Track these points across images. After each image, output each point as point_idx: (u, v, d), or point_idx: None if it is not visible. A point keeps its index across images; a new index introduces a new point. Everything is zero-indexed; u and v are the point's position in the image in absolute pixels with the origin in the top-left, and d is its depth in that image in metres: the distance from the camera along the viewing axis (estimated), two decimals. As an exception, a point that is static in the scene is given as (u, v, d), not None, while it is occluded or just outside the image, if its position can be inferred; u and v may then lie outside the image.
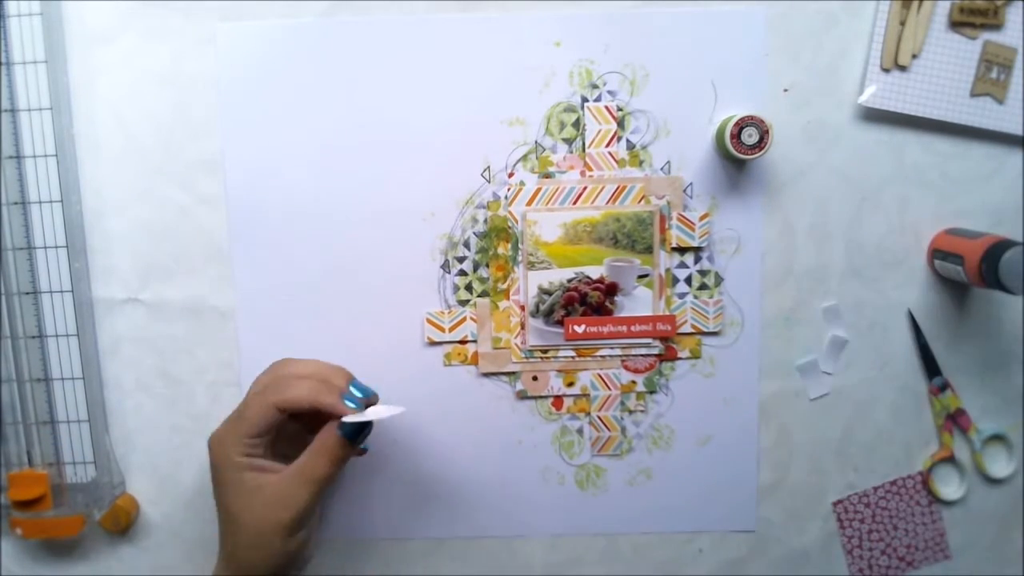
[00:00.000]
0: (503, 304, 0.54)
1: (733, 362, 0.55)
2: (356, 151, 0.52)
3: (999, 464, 0.57)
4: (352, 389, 0.46)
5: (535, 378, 0.54)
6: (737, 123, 0.49)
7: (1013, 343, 0.56)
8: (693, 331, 0.54)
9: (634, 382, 0.55)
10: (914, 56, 0.52)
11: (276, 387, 0.46)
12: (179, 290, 0.54)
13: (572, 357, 0.54)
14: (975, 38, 0.52)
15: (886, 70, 0.52)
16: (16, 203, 0.52)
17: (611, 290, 0.53)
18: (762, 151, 0.50)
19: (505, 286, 0.54)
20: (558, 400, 0.55)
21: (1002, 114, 0.53)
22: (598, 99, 0.52)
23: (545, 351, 0.54)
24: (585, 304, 0.53)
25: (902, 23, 0.51)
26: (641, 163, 0.53)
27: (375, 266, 0.53)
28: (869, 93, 0.52)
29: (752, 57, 0.52)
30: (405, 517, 0.56)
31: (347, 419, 0.45)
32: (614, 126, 0.52)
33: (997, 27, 0.52)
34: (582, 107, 0.52)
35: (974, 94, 0.52)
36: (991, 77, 0.52)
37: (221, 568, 0.47)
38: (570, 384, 0.55)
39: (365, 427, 0.46)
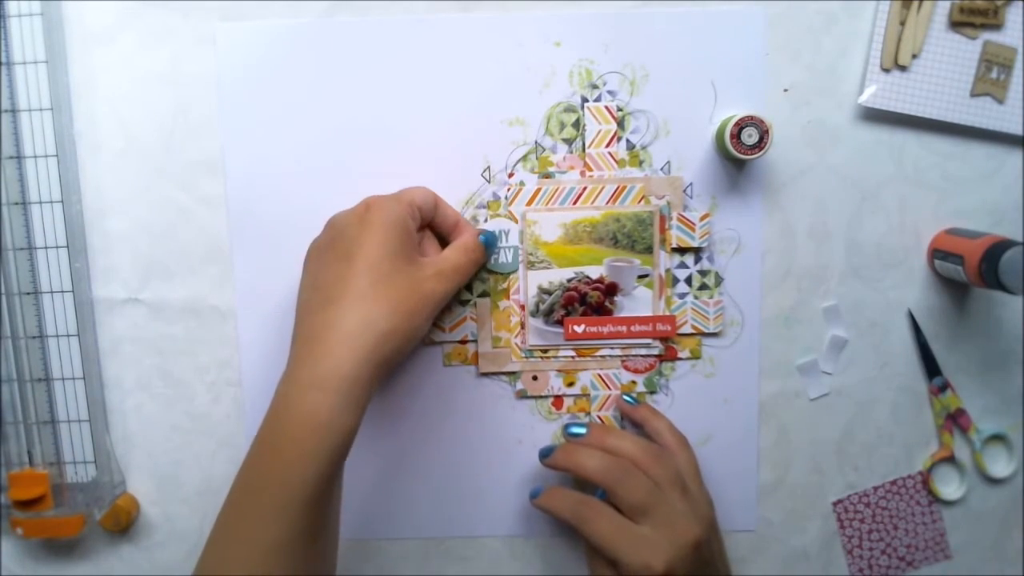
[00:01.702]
0: (503, 304, 0.54)
1: (733, 362, 0.55)
2: (356, 151, 0.52)
3: (999, 464, 0.57)
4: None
5: (535, 378, 0.54)
6: (737, 123, 0.49)
7: (1013, 343, 0.56)
8: (693, 331, 0.54)
9: (634, 382, 0.55)
10: (914, 56, 0.52)
11: (420, 189, 0.48)
12: (179, 290, 0.54)
13: (572, 357, 0.54)
14: (975, 38, 0.52)
15: (886, 70, 0.52)
16: (16, 203, 0.52)
17: (611, 290, 0.53)
18: (762, 151, 0.50)
19: (505, 286, 0.54)
20: (558, 400, 0.55)
21: (1002, 114, 0.53)
22: (598, 99, 0.52)
23: (545, 351, 0.54)
24: (585, 304, 0.53)
25: (902, 23, 0.51)
26: (641, 163, 0.53)
27: (375, 266, 0.53)
28: (869, 93, 0.52)
29: (752, 57, 0.52)
30: (405, 517, 0.56)
31: (485, 227, 0.51)
32: (614, 126, 0.52)
33: (997, 27, 0.52)
34: (582, 107, 0.52)
35: (974, 94, 0.52)
36: (991, 77, 0.52)
37: (322, 356, 0.40)
38: (570, 384, 0.55)
39: (496, 239, 0.52)
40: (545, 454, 0.51)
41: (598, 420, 0.55)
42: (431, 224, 0.49)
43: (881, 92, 0.52)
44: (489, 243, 0.50)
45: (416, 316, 0.43)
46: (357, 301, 0.41)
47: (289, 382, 0.41)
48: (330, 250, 0.44)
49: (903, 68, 0.52)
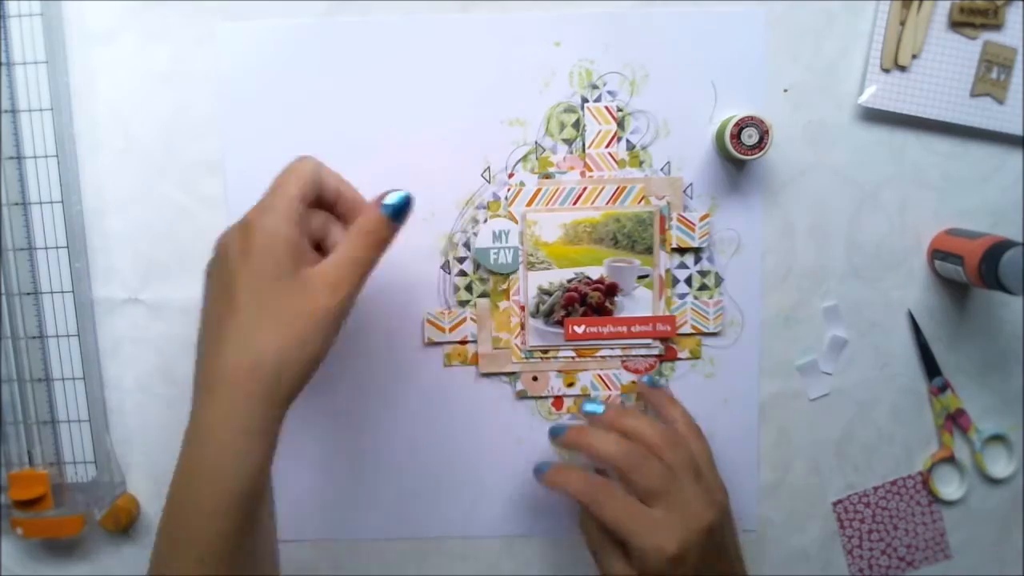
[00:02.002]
0: (503, 304, 0.54)
1: (733, 362, 0.55)
2: (356, 151, 0.52)
3: (999, 464, 0.57)
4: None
5: (535, 378, 0.54)
6: (737, 123, 0.49)
7: (1013, 343, 0.56)
8: (693, 331, 0.54)
9: (634, 382, 0.55)
10: (914, 56, 0.52)
11: (301, 171, 0.42)
12: (179, 290, 0.54)
13: (572, 357, 0.54)
14: (975, 38, 0.52)
15: (886, 70, 0.52)
16: (17, 203, 0.52)
17: (611, 290, 0.53)
18: (762, 151, 0.50)
19: (505, 286, 0.54)
20: (558, 400, 0.55)
21: (1002, 114, 0.53)
22: (598, 99, 0.52)
23: (545, 351, 0.54)
24: (585, 304, 0.53)
25: (902, 23, 0.51)
26: (641, 163, 0.53)
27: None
28: (869, 93, 0.52)
29: (752, 57, 0.52)
30: (404, 517, 0.56)
31: (389, 196, 0.42)
32: (614, 126, 0.52)
33: (997, 27, 0.52)
34: (582, 107, 0.52)
35: (974, 94, 0.52)
36: (991, 77, 0.52)
37: (219, 381, 0.38)
38: (570, 384, 0.55)
39: (407, 203, 0.42)
40: (557, 432, 0.50)
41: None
42: (330, 206, 0.44)
43: (881, 92, 0.52)
44: (398, 209, 0.42)
45: (310, 342, 0.39)
46: (242, 340, 0.38)
47: (190, 431, 0.40)
48: (216, 280, 0.41)
49: (903, 68, 0.52)
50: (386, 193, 0.42)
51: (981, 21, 0.51)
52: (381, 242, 0.42)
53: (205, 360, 0.40)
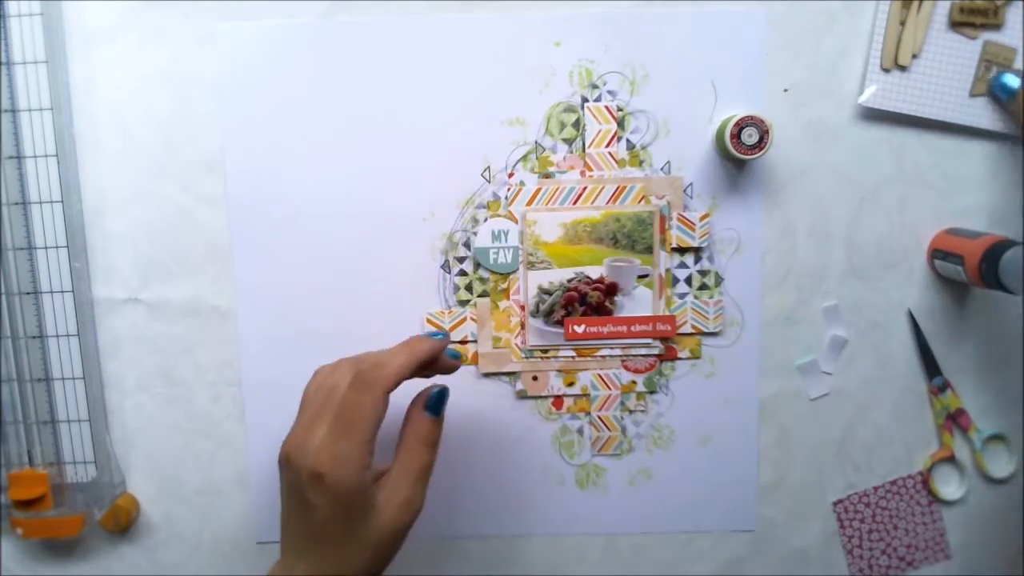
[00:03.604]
0: (503, 304, 0.54)
1: (733, 362, 0.55)
2: (356, 151, 0.52)
3: (999, 464, 0.57)
4: (428, 334, 0.46)
5: (535, 378, 0.54)
6: (737, 123, 0.49)
7: (1013, 343, 0.56)
8: (693, 331, 0.54)
9: (634, 382, 0.55)
10: (914, 56, 0.52)
11: (371, 373, 0.41)
12: (179, 290, 0.54)
13: (572, 357, 0.54)
14: (975, 38, 0.52)
15: (886, 70, 0.52)
16: (16, 203, 0.52)
17: (611, 290, 0.53)
18: (762, 151, 0.50)
19: (505, 286, 0.54)
20: (558, 400, 0.55)
21: (1002, 114, 0.53)
22: (598, 99, 0.52)
23: (545, 351, 0.54)
24: (585, 304, 0.53)
25: (902, 23, 0.51)
26: (641, 163, 0.53)
27: (375, 266, 0.53)
28: (869, 93, 0.52)
29: (752, 57, 0.52)
30: (405, 517, 0.56)
31: (430, 398, 0.44)
32: (614, 126, 0.52)
33: (997, 27, 0.52)
34: (582, 107, 0.52)
35: (974, 94, 0.52)
36: (991, 77, 0.52)
37: None
38: (570, 384, 0.55)
39: (444, 396, 0.44)
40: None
41: (598, 420, 0.55)
42: None
43: (881, 92, 0.52)
44: (437, 404, 0.44)
45: (387, 558, 0.41)
46: (323, 561, 0.40)
47: None
48: (293, 500, 0.41)
49: (903, 68, 0.52)
50: (424, 394, 0.44)
51: (981, 21, 0.51)
52: (436, 443, 0.44)
53: (287, 561, 0.41)
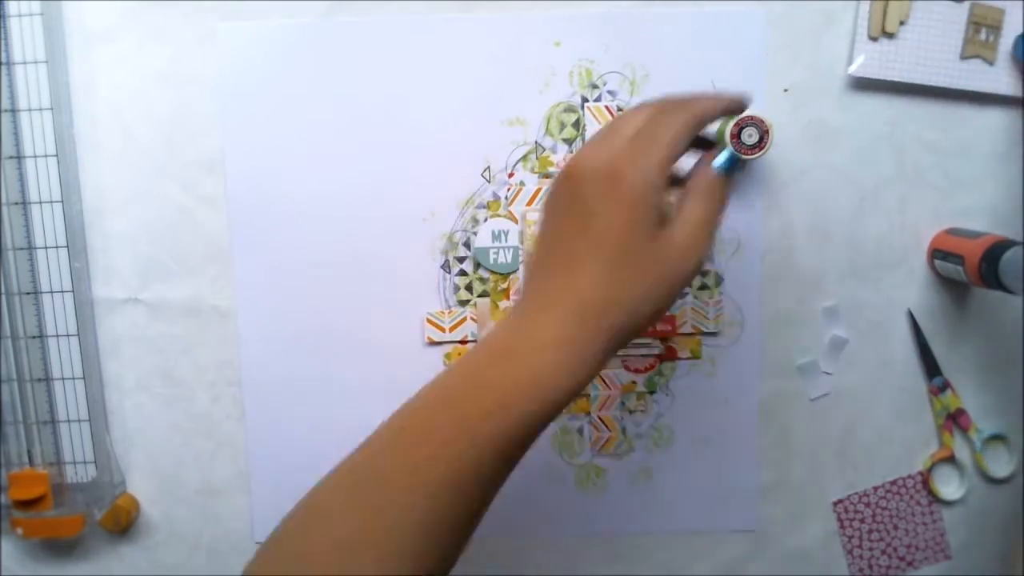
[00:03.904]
0: (503, 304, 0.54)
1: (733, 362, 0.55)
2: (356, 151, 0.52)
3: (999, 464, 0.57)
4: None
5: (535, 378, 0.54)
6: (737, 123, 0.49)
7: (1013, 343, 0.56)
8: (693, 331, 0.54)
9: (634, 382, 0.55)
10: (901, 23, 0.51)
11: (679, 105, 0.39)
12: (179, 290, 0.54)
13: (572, 357, 0.54)
14: (962, 1, 0.51)
15: (874, 39, 0.51)
16: (16, 203, 0.52)
17: (611, 290, 0.53)
18: (762, 151, 0.50)
19: (505, 286, 0.54)
20: (558, 400, 0.55)
21: (993, 75, 0.52)
22: (598, 99, 0.52)
23: (545, 351, 0.54)
24: (585, 304, 0.53)
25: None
26: (641, 163, 0.53)
27: (375, 266, 0.53)
28: (858, 63, 0.51)
29: (752, 57, 0.52)
30: (405, 517, 0.56)
31: (717, 157, 0.40)
32: (614, 126, 0.52)
33: (984, -11, 0.51)
34: (582, 107, 0.52)
35: (964, 57, 0.52)
36: (980, 39, 0.51)
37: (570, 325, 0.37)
38: (570, 384, 0.54)
39: (737, 160, 0.41)
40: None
41: (598, 420, 0.55)
42: None
43: (870, 62, 0.51)
44: (731, 166, 0.41)
45: (660, 302, 0.38)
46: (600, 276, 0.37)
47: (505, 341, 0.38)
48: (567, 214, 0.38)
49: (891, 36, 0.51)
50: (709, 154, 0.41)
51: None
52: (723, 202, 0.40)
53: (551, 282, 0.38)
